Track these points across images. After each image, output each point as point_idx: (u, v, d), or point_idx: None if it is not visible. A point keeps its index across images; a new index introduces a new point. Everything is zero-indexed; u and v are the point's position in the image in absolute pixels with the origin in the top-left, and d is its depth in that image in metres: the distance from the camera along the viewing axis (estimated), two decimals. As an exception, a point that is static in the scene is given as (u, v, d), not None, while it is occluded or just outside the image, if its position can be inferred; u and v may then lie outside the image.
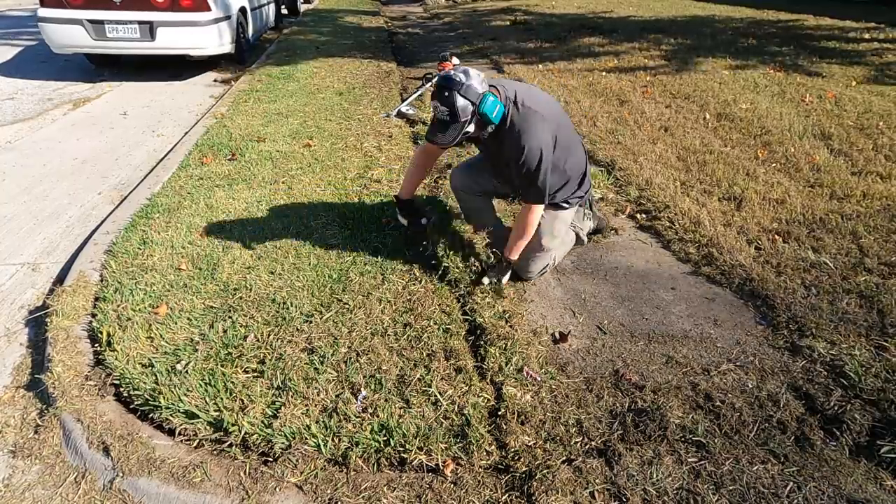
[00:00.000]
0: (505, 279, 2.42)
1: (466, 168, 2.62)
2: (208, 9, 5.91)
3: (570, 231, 2.56)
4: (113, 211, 3.22)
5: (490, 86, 2.11)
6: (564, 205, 2.35)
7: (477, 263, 2.54)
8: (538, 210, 2.24)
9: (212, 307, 2.27)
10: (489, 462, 1.64)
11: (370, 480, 1.59)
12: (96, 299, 2.36)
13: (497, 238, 2.61)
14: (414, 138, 4.28)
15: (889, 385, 1.89)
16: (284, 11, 11.16)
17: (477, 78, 2.04)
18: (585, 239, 2.60)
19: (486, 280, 2.40)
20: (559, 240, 2.41)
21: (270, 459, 1.65)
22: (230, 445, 1.68)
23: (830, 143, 3.95)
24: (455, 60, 6.40)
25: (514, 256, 2.37)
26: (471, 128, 2.08)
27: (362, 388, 1.86)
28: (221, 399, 1.80)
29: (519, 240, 2.32)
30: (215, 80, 6.49)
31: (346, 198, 3.20)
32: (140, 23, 5.69)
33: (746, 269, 2.54)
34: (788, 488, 1.56)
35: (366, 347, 2.05)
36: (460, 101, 1.99)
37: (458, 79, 2.00)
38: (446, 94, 2.00)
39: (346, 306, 2.27)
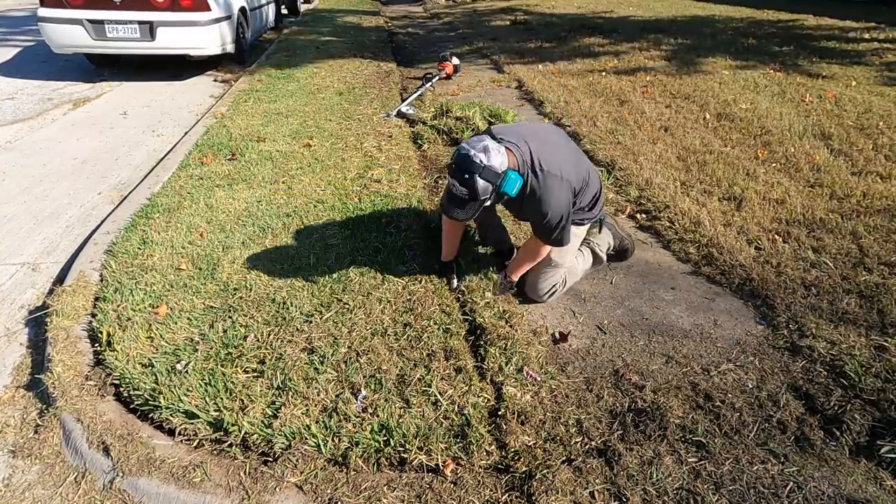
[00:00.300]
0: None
1: None
2: (208, 9, 5.92)
3: (584, 249, 2.51)
4: (113, 211, 3.22)
5: (505, 147, 1.98)
6: (577, 221, 2.31)
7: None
8: (549, 246, 2.23)
9: (212, 307, 2.27)
10: (489, 462, 1.64)
11: (370, 480, 1.59)
12: (96, 299, 2.36)
13: (497, 240, 2.62)
14: (414, 138, 4.28)
15: (889, 385, 1.89)
16: (284, 11, 11.16)
17: (496, 154, 1.91)
18: (605, 257, 2.57)
19: (488, 294, 2.40)
20: (570, 256, 2.35)
21: (270, 459, 1.65)
22: (230, 445, 1.68)
23: (830, 143, 3.95)
24: (455, 60, 6.41)
25: (516, 278, 2.38)
26: (488, 203, 2.02)
27: (362, 388, 1.86)
28: (221, 399, 1.80)
29: (526, 263, 2.33)
30: (215, 80, 6.49)
31: (346, 198, 3.20)
32: (140, 23, 5.69)
33: (746, 269, 2.54)
34: (788, 488, 1.56)
35: (366, 347, 2.05)
36: (481, 184, 1.90)
37: (477, 160, 1.88)
38: (466, 176, 1.90)
39: (346, 306, 2.27)
